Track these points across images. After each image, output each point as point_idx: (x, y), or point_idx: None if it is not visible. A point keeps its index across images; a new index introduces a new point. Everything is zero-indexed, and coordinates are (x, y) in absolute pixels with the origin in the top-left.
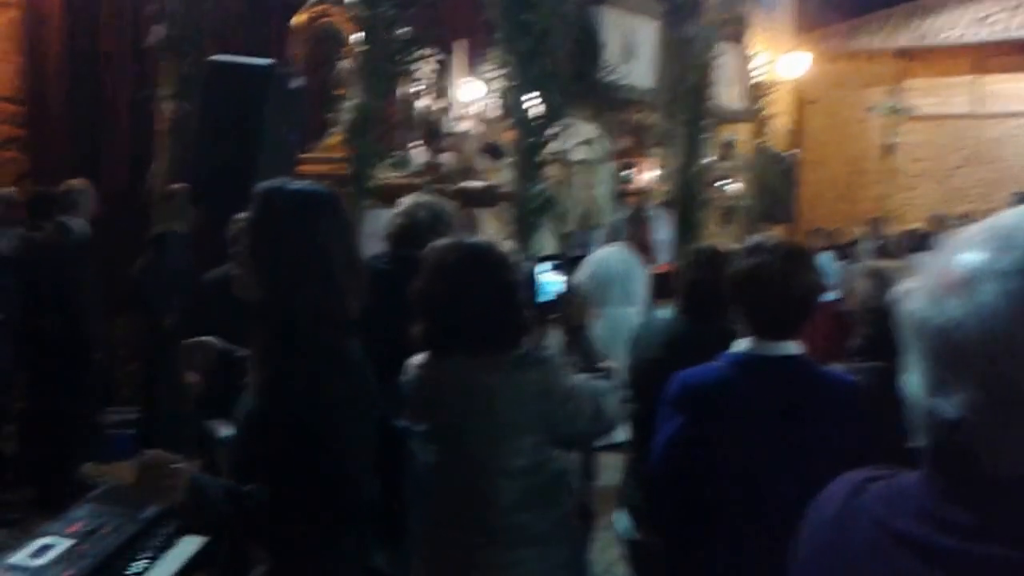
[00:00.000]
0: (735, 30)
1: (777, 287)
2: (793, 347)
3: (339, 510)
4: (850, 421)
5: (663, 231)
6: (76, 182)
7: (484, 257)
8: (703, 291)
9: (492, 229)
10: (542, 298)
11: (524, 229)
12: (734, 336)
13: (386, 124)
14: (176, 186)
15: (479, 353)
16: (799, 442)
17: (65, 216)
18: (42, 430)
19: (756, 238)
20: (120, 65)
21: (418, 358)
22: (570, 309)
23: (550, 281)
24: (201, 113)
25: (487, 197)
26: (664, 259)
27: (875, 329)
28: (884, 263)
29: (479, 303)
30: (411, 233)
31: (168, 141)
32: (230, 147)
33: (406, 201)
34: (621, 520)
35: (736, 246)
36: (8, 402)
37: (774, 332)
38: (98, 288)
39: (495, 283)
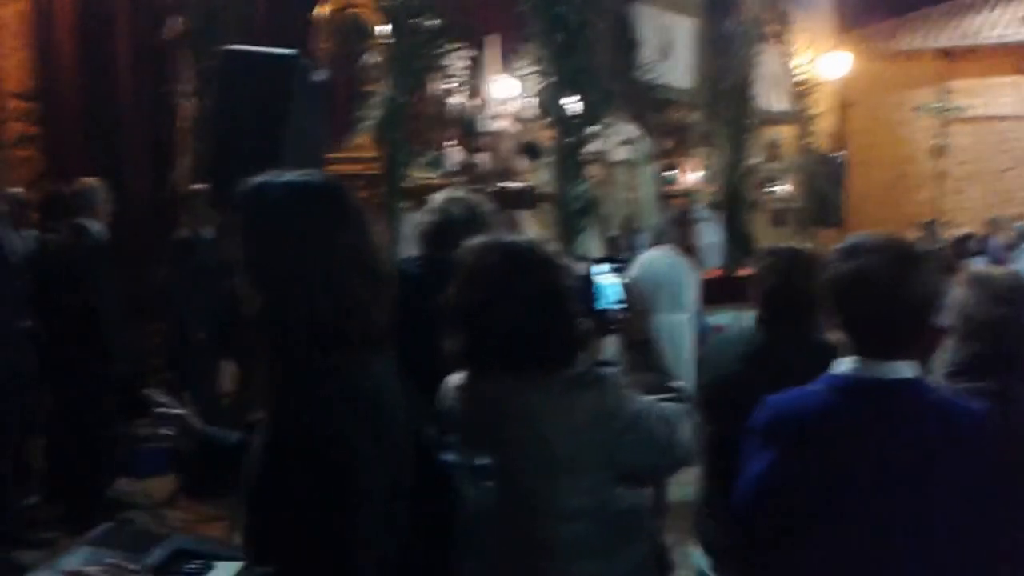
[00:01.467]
0: (775, 29)
1: (886, 295)
2: (908, 368)
3: None
4: (979, 459)
5: (711, 234)
6: (89, 181)
7: (527, 259)
8: (785, 298)
9: (534, 232)
10: (600, 305)
11: (567, 232)
12: (824, 349)
13: (417, 120)
14: (199, 187)
15: (524, 372)
16: (921, 486)
17: (80, 218)
18: (67, 443)
19: (855, 237)
20: (136, 59)
21: (455, 378)
22: (633, 318)
23: (609, 285)
24: (218, 107)
25: (526, 198)
26: (712, 263)
27: (985, 344)
28: (991, 269)
29: (522, 313)
30: (445, 232)
31: (191, 139)
32: (251, 144)
33: (438, 197)
34: (698, 558)
35: (815, 247)
36: (34, 413)
37: (883, 350)
38: (118, 294)
39: (541, 289)
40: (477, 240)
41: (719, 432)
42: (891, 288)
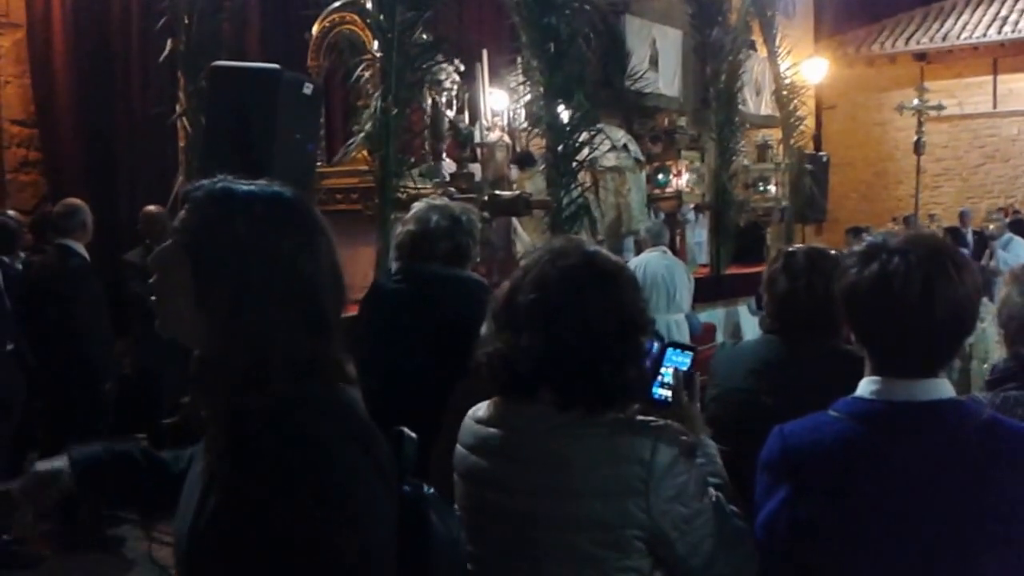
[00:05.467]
0: (760, 36)
1: (916, 302)
2: (944, 387)
3: None
4: None
5: (697, 234)
6: (74, 201)
7: (613, 273)
8: (802, 304)
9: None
10: (653, 387)
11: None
12: (848, 362)
13: (410, 132)
14: (154, 208)
15: (572, 405)
16: (967, 528)
17: (64, 238)
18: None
19: (876, 236)
20: (131, 82)
21: (481, 409)
22: (687, 410)
23: (670, 367)
24: (207, 123)
25: (519, 206)
26: (698, 262)
27: None
28: None
29: (596, 332)
30: (424, 243)
31: (187, 157)
32: (238, 156)
33: (418, 206)
34: None
35: (833, 248)
36: (32, 430)
37: (912, 367)
38: (105, 313)
39: (622, 311)
40: (557, 241)
41: (726, 454)
42: (920, 295)
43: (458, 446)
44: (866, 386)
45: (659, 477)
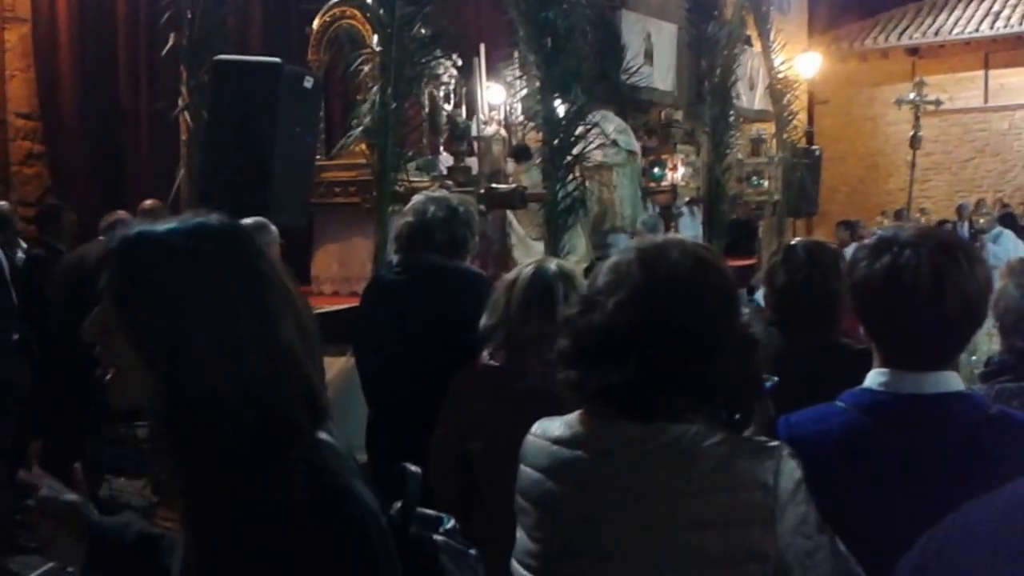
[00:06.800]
0: (754, 31)
1: (927, 295)
2: (952, 380)
3: None
4: None
5: (691, 227)
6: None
7: (724, 274)
8: (802, 296)
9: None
10: None
11: (554, 230)
12: (849, 355)
13: (408, 126)
14: (150, 202)
15: (686, 424)
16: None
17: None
18: (60, 447)
19: (886, 229)
20: (135, 76)
21: (557, 427)
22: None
23: None
24: (210, 116)
25: (515, 199)
26: None
27: None
28: None
29: (715, 341)
30: (420, 233)
31: (189, 151)
32: (240, 149)
33: (416, 198)
34: None
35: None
36: (34, 418)
37: (922, 360)
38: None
39: (740, 316)
40: (654, 236)
41: None
42: (931, 288)
43: (526, 468)
44: (874, 378)
45: (784, 504)
